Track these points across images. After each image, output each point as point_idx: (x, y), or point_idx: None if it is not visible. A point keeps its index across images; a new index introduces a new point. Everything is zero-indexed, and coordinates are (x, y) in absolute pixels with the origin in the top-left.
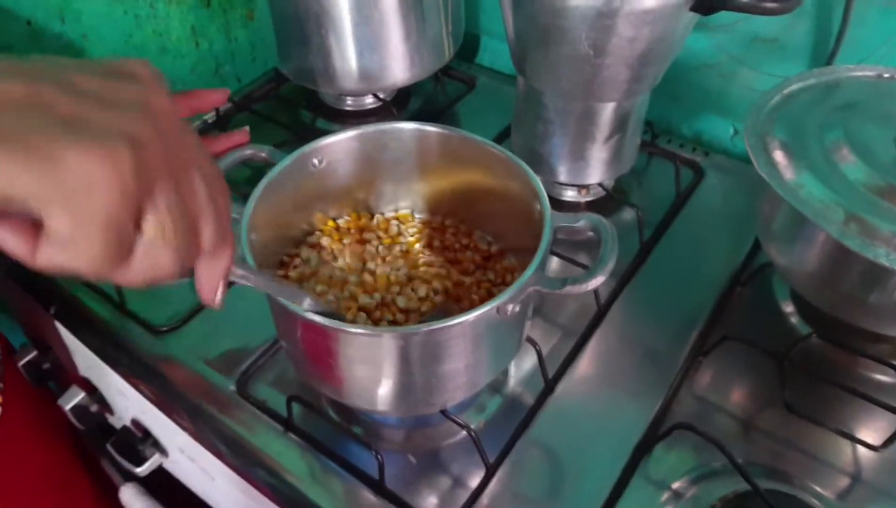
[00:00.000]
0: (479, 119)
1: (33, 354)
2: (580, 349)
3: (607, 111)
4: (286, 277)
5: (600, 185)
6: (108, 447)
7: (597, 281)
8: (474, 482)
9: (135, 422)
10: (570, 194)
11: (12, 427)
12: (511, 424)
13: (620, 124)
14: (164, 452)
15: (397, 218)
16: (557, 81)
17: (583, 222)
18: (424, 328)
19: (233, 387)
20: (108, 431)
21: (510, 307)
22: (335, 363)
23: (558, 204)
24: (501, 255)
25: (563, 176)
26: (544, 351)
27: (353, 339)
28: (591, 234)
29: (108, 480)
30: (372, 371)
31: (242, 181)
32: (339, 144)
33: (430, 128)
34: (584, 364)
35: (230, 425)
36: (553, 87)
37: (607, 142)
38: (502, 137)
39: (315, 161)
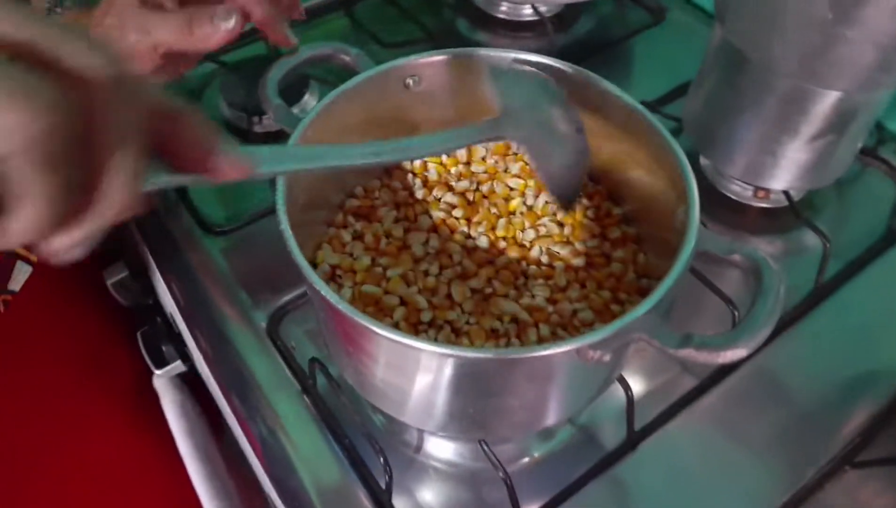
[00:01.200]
0: (655, 63)
1: None
2: (688, 404)
3: (828, 101)
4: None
5: (785, 193)
6: (137, 335)
7: (734, 354)
8: None
9: (167, 320)
10: (738, 192)
11: (43, 289)
12: (570, 472)
13: (841, 122)
14: (187, 359)
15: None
16: (768, 44)
17: (739, 256)
18: (468, 353)
19: (263, 323)
20: (149, 317)
21: (595, 354)
22: (356, 352)
23: (717, 200)
24: (619, 243)
25: (738, 169)
26: (641, 393)
27: (380, 340)
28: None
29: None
30: (399, 380)
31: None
32: (441, 67)
33: (559, 66)
34: (688, 425)
35: (248, 363)
36: (760, 50)
37: (814, 141)
38: (674, 96)
39: (409, 80)
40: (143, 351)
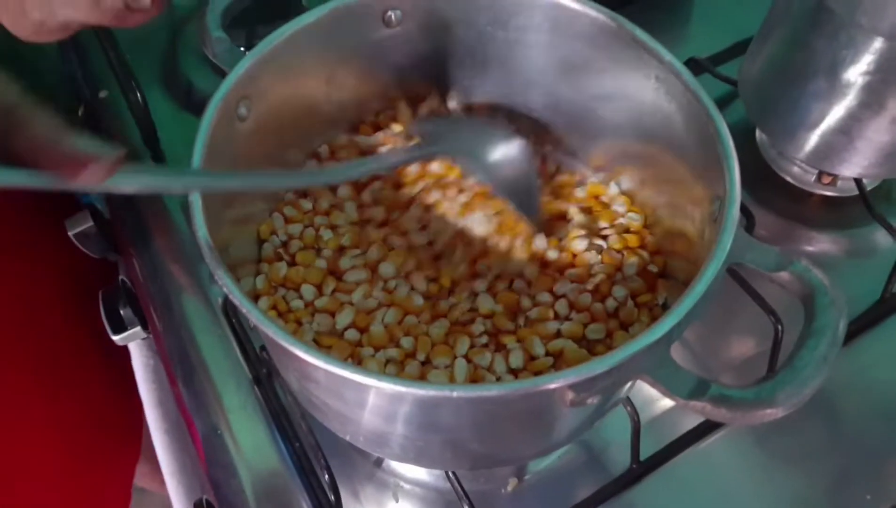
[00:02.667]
0: (712, 13)
1: None
2: (709, 432)
3: None
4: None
5: (857, 181)
6: (99, 294)
7: (768, 414)
8: None
9: (125, 282)
10: (798, 175)
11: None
12: (567, 497)
13: None
14: (146, 328)
15: None
16: None
17: (788, 274)
18: (422, 389)
19: (220, 299)
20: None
21: (577, 397)
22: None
23: (772, 184)
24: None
25: (801, 148)
26: (650, 417)
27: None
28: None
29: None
30: (345, 410)
31: None
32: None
33: (580, 7)
34: (710, 456)
35: (198, 341)
36: (844, 1)
37: None
38: (734, 54)
39: (391, 14)
40: (103, 313)
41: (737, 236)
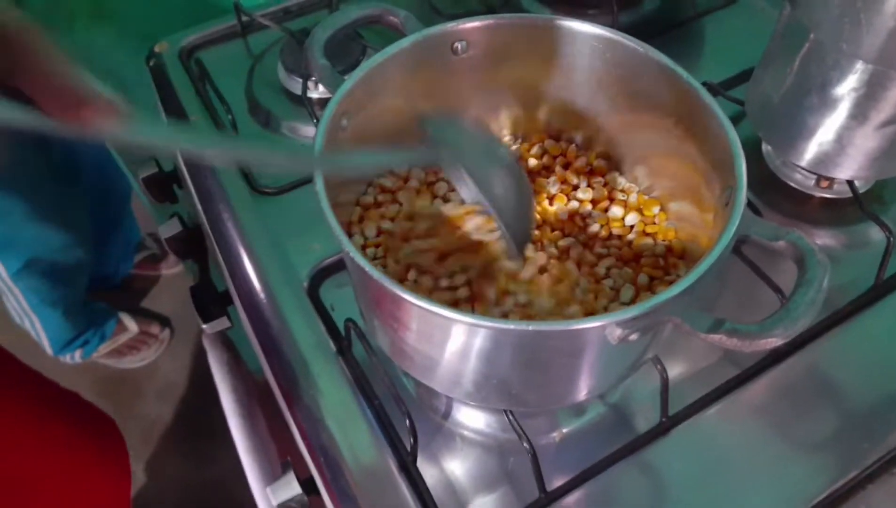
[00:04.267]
0: (724, 45)
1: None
2: (728, 393)
3: None
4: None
5: (850, 183)
6: (189, 289)
7: (767, 343)
8: (524, 500)
9: (210, 278)
10: (800, 181)
11: None
12: (598, 450)
13: None
14: (230, 319)
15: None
16: (838, 23)
17: (785, 243)
18: (496, 324)
19: (305, 283)
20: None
21: (621, 333)
22: (387, 319)
23: (778, 189)
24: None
25: (802, 156)
26: (678, 375)
27: (405, 305)
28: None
29: None
30: (428, 348)
31: None
32: (489, 32)
33: (612, 35)
34: (726, 414)
35: (287, 322)
36: (830, 30)
37: (883, 128)
38: (741, 80)
39: (458, 45)
40: (193, 305)
41: (744, 214)
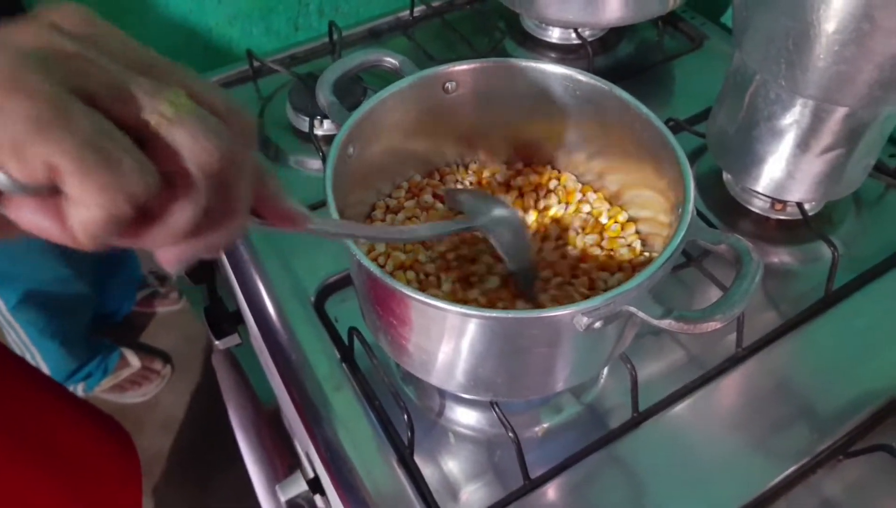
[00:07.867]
0: (692, 86)
1: None
2: (693, 391)
3: (834, 117)
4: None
5: (799, 205)
6: (203, 310)
7: (709, 326)
8: (509, 487)
9: (221, 298)
10: (759, 205)
11: None
12: (575, 443)
13: (848, 137)
14: (240, 335)
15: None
16: (776, 62)
17: (725, 246)
18: (474, 311)
19: (312, 297)
20: (211, 294)
21: (587, 321)
22: (390, 318)
23: (738, 213)
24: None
25: (755, 182)
26: (647, 375)
27: (399, 297)
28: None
29: None
30: (426, 341)
31: None
32: (476, 73)
33: (583, 77)
34: (691, 410)
35: (295, 332)
36: (770, 70)
37: (824, 155)
38: (704, 117)
39: (448, 85)
40: (206, 324)
41: (692, 220)
